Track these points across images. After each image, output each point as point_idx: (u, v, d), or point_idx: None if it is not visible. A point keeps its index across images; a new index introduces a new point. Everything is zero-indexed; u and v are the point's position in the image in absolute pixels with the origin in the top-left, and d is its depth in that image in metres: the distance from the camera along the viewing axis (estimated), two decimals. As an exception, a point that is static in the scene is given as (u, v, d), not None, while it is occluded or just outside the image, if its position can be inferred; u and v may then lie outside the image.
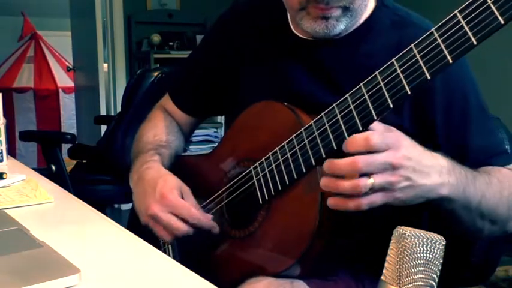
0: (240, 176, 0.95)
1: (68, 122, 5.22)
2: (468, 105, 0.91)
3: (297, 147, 0.84)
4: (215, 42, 1.10)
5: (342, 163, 0.72)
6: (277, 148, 0.87)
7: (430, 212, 0.88)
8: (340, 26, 0.87)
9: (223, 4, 1.11)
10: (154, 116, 1.18)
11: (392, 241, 0.53)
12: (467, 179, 0.79)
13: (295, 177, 0.84)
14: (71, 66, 4.68)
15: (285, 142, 0.86)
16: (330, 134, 0.79)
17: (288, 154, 0.85)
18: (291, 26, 0.98)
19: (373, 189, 0.71)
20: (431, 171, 0.74)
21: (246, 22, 1.05)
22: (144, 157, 1.05)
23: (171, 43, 4.20)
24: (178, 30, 4.28)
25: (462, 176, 0.78)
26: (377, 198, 0.72)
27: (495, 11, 0.65)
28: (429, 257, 0.51)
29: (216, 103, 1.15)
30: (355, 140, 0.72)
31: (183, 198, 0.95)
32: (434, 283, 0.51)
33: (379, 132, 0.72)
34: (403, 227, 0.53)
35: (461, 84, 0.90)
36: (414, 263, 0.51)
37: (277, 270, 0.85)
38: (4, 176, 1.18)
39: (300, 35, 0.96)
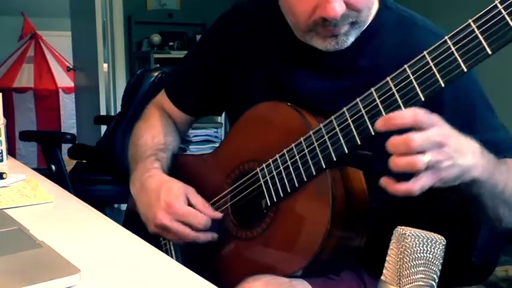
0: (246, 178, 0.94)
1: (68, 122, 5.22)
2: (473, 101, 0.91)
3: (306, 150, 0.84)
4: (217, 41, 1.09)
5: (393, 143, 0.69)
6: (284, 150, 0.87)
7: (436, 208, 0.88)
8: (350, 39, 0.88)
9: (224, 4, 1.11)
10: (151, 115, 1.17)
11: (392, 241, 0.53)
12: (494, 163, 0.78)
13: (305, 179, 0.84)
14: (71, 66, 4.68)
15: (293, 144, 0.86)
16: (341, 138, 0.80)
17: (297, 157, 0.85)
18: (296, 33, 0.97)
19: (428, 166, 0.69)
20: (468, 151, 0.73)
21: (250, 22, 1.04)
22: (145, 164, 1.05)
23: (171, 43, 4.19)
24: (178, 30, 4.28)
25: (490, 160, 0.77)
26: (427, 180, 0.70)
27: (510, 22, 0.65)
28: (429, 257, 0.51)
29: (215, 102, 1.15)
30: (403, 114, 0.69)
31: (189, 201, 0.95)
32: (434, 283, 0.51)
33: (422, 110, 0.70)
34: (403, 227, 0.53)
35: (465, 82, 0.90)
36: (414, 263, 0.51)
37: (288, 271, 0.85)
38: (4, 176, 1.18)
39: (303, 40, 0.96)
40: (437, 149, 0.69)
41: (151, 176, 1.00)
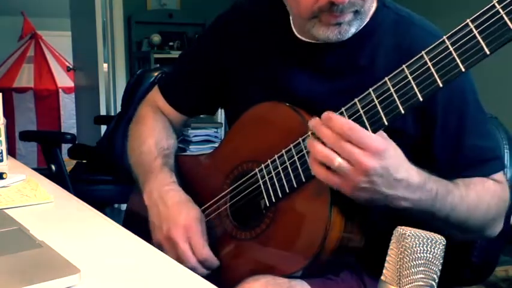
0: (245, 179, 0.94)
1: (68, 122, 5.22)
2: (466, 103, 0.91)
3: (304, 151, 0.84)
4: (216, 41, 1.08)
5: (319, 124, 0.76)
6: (283, 151, 0.87)
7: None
8: (352, 29, 0.88)
9: (224, 4, 1.11)
10: (147, 117, 1.16)
11: (392, 241, 0.53)
12: (436, 195, 0.81)
13: (304, 180, 0.84)
14: (71, 66, 4.68)
15: (291, 145, 0.86)
16: None
17: (296, 157, 0.85)
18: (293, 29, 0.97)
19: (337, 170, 0.74)
20: (398, 185, 0.76)
21: (248, 22, 1.04)
22: (163, 177, 1.04)
23: (171, 43, 4.20)
24: (178, 30, 4.28)
25: (431, 194, 0.80)
26: (333, 179, 0.76)
27: (508, 22, 0.65)
28: (429, 257, 0.51)
29: (212, 102, 1.15)
30: (336, 118, 0.75)
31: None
32: (434, 283, 0.51)
33: (363, 130, 0.74)
34: (403, 227, 0.52)
35: (460, 82, 0.90)
36: (414, 263, 0.51)
37: (287, 271, 0.85)
38: (4, 176, 1.18)
39: (302, 38, 0.96)
40: (358, 170, 0.73)
41: (172, 191, 1.01)
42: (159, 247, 0.97)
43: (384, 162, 0.73)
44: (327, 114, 0.76)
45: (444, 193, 0.82)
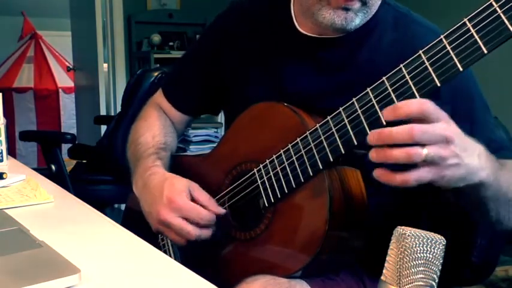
0: (243, 179, 0.94)
1: (68, 122, 5.22)
2: (473, 101, 0.91)
3: (303, 151, 0.84)
4: (214, 41, 1.09)
5: (396, 130, 0.67)
6: (281, 151, 0.87)
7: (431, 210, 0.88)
8: (357, 20, 0.87)
9: (224, 4, 1.11)
10: (149, 115, 1.17)
11: (392, 241, 0.53)
12: (498, 165, 0.77)
13: (302, 180, 0.84)
14: (71, 66, 4.68)
15: (289, 145, 0.86)
16: (338, 138, 0.79)
17: (294, 157, 0.85)
18: (295, 23, 0.97)
19: (424, 162, 0.67)
20: (474, 152, 0.71)
21: (247, 21, 1.04)
22: (146, 162, 1.03)
23: (171, 43, 4.20)
24: (178, 30, 4.29)
25: (494, 162, 0.76)
26: (425, 174, 0.67)
27: (506, 21, 0.65)
28: (429, 257, 0.51)
29: (212, 102, 1.15)
30: (409, 103, 0.68)
31: (192, 197, 0.93)
32: (434, 283, 0.51)
33: (430, 101, 0.69)
34: (403, 227, 0.52)
35: (464, 81, 0.90)
36: (414, 263, 0.51)
37: (287, 272, 0.85)
38: (4, 176, 1.18)
39: (304, 32, 0.96)
40: (443, 145, 0.67)
41: (154, 174, 0.99)
42: (160, 233, 0.97)
43: (455, 127, 0.69)
44: (388, 112, 0.69)
45: (499, 165, 0.77)
